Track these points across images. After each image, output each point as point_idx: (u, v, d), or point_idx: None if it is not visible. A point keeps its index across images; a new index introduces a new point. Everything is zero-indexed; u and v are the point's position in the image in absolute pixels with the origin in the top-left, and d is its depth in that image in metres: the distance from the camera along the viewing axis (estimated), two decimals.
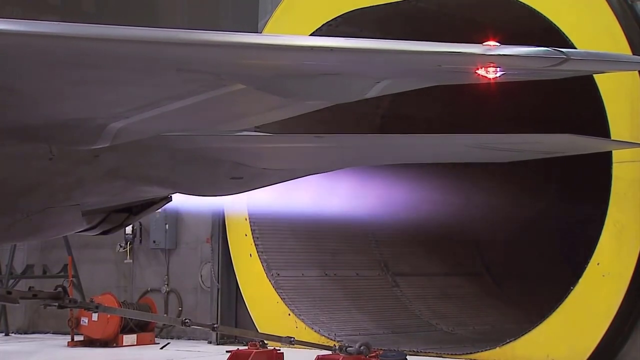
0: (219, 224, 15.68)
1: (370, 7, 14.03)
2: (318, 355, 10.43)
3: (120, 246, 17.48)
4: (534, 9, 12.33)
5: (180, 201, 7.71)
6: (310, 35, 13.86)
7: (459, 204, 16.77)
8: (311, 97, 4.51)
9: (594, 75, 11.02)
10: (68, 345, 15.91)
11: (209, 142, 6.47)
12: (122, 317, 15.16)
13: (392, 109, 16.60)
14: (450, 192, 16.14)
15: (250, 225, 15.40)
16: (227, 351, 12.00)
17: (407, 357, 12.68)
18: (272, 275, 15.37)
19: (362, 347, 10.06)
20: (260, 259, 15.37)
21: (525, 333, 12.57)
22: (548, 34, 11.58)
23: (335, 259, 16.58)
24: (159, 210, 7.69)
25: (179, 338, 16.43)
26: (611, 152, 11.53)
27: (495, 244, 18.38)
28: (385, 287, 16.82)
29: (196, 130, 6.03)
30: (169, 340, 16.12)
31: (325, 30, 14.31)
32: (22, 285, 16.44)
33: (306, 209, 13.60)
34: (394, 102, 16.31)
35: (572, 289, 12.13)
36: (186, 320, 9.60)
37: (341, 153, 6.94)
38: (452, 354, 13.42)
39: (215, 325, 10.81)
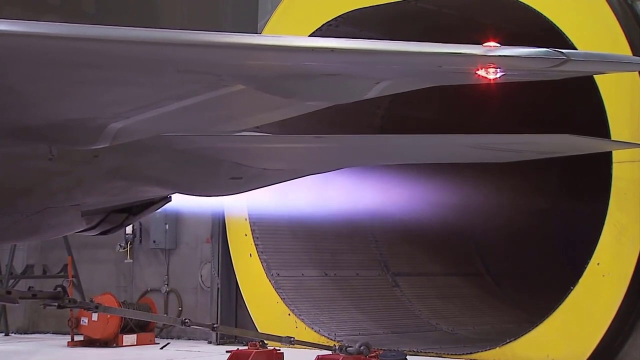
0: (219, 224, 15.73)
1: (370, 7, 14.03)
2: (318, 355, 10.44)
3: (120, 246, 17.46)
4: (535, 10, 12.33)
5: (180, 201, 7.72)
6: (310, 35, 13.85)
7: (460, 204, 16.81)
8: (311, 98, 4.51)
9: (594, 76, 10.95)
10: (68, 345, 15.89)
11: (208, 142, 6.44)
12: (122, 317, 15.18)
13: (391, 109, 16.52)
14: (451, 192, 16.15)
15: (250, 226, 15.43)
16: (227, 351, 11.98)
17: (407, 357, 12.72)
18: (272, 275, 15.37)
19: (362, 347, 10.09)
20: (260, 259, 15.38)
21: (525, 333, 12.56)
22: (548, 34, 11.52)
23: (335, 259, 16.60)
24: (159, 210, 7.64)
25: (178, 338, 16.42)
26: (611, 152, 11.55)
27: (495, 244, 18.39)
28: (385, 287, 16.83)
29: (196, 130, 5.99)
30: (168, 340, 16.11)
31: (325, 30, 14.30)
32: (22, 285, 16.25)
33: (306, 209, 13.61)
34: (394, 102, 16.25)
35: (572, 289, 12.12)
36: (186, 320, 9.58)
37: (341, 153, 6.93)
38: (452, 354, 13.42)
39: (215, 325, 10.81)
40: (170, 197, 7.43)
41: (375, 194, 14.25)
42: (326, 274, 16.36)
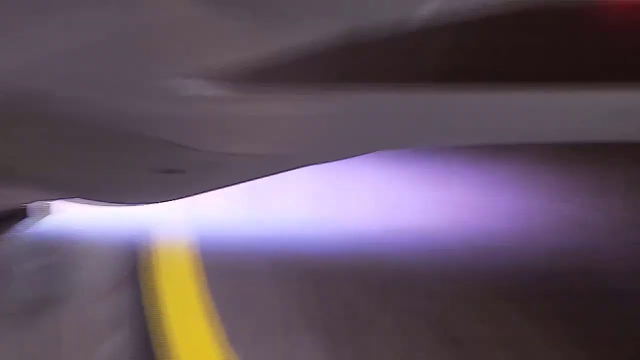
0: (135, 261, 14.17)
1: None
2: None
3: None
4: None
5: (64, 216, 8.29)
6: None
7: None
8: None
9: None
10: None
11: (119, 103, 5.71)
12: None
13: (464, 34, 16.07)
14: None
15: (199, 259, 13.97)
16: None
17: None
18: (238, 354, 13.91)
19: None
20: (216, 322, 13.85)
21: None
22: None
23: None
24: (25, 232, 7.88)
25: None
26: None
27: None
28: None
29: (95, 83, 5.26)
30: None
31: None
32: None
33: (296, 226, 12.61)
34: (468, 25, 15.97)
35: None
36: None
37: (376, 123, 6.13)
38: None
39: None
40: (49, 207, 7.48)
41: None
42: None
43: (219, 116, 6.00)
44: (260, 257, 14.81)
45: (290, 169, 6.53)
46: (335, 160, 6.63)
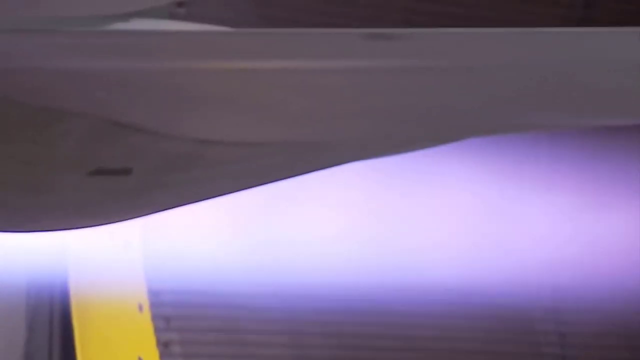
0: (51, 315, 11.59)
1: None
2: None
3: None
4: None
5: None
6: None
7: None
8: None
9: None
10: None
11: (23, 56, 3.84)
12: None
13: None
14: None
15: (159, 313, 11.53)
16: None
17: None
18: None
19: None
20: None
21: None
22: None
23: None
24: None
25: None
26: None
27: None
28: None
29: None
30: None
31: None
32: None
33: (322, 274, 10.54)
34: None
35: None
36: None
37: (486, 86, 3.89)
38: None
39: None
40: None
41: None
42: None
43: (198, 72, 3.90)
44: (263, 320, 12.35)
45: (307, 171, 4.71)
46: (408, 150, 4.69)
